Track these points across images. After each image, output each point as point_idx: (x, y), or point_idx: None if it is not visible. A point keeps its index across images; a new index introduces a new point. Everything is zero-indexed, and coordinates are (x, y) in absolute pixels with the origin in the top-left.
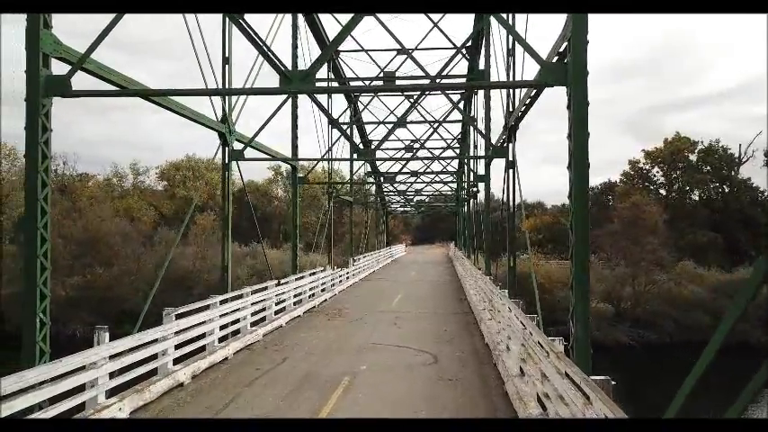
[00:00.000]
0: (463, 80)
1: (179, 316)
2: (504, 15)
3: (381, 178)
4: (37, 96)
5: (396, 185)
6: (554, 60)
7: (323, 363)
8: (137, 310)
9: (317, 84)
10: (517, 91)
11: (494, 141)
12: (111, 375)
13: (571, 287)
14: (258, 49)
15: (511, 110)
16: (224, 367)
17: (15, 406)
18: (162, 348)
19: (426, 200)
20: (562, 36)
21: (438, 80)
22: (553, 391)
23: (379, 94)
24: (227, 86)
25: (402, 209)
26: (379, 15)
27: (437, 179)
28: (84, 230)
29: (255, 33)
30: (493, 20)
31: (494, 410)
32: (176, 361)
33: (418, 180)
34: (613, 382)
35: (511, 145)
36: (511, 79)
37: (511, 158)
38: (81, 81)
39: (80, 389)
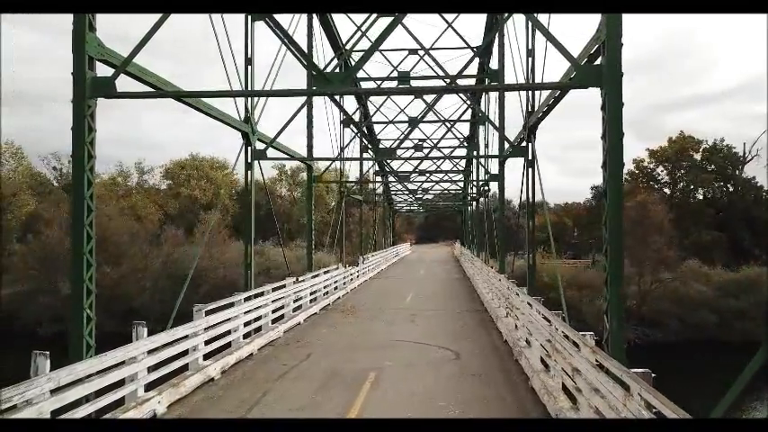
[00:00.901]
0: (474, 81)
1: (208, 312)
2: (528, 17)
3: (391, 177)
4: (83, 98)
5: (406, 184)
6: (582, 63)
7: (346, 359)
8: (144, 307)
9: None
10: (537, 91)
11: (504, 141)
12: (148, 370)
13: (606, 283)
14: (298, 51)
15: (530, 110)
16: (250, 363)
17: (68, 397)
18: (193, 344)
19: (431, 198)
20: (595, 38)
21: (455, 82)
22: (586, 385)
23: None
24: (249, 87)
25: (408, 207)
26: (393, 16)
27: (445, 178)
28: None
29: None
30: (509, 21)
31: (522, 405)
32: (205, 357)
33: (428, 179)
34: (654, 375)
35: (531, 144)
36: (530, 80)
37: (530, 157)
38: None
39: (115, 382)
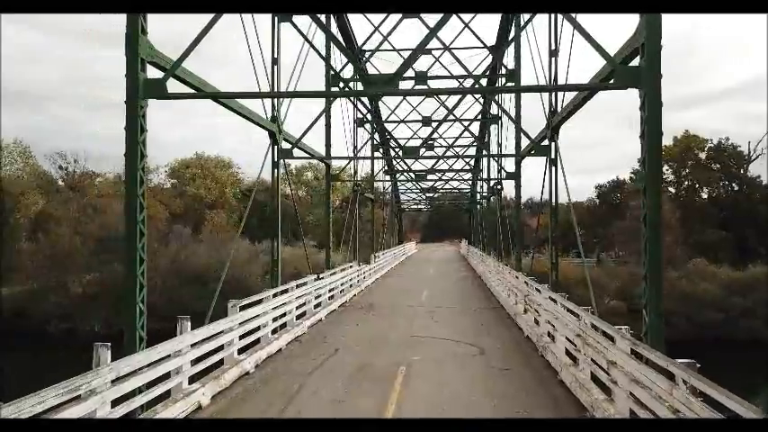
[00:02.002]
0: (485, 80)
1: (242, 308)
2: (565, 17)
3: (402, 176)
4: (136, 98)
5: (418, 183)
6: (618, 63)
7: (374, 354)
8: (153, 305)
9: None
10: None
11: (523, 140)
12: (191, 363)
13: (645, 278)
14: (344, 53)
15: (552, 109)
16: (280, 358)
17: (125, 388)
18: (229, 339)
19: (438, 196)
20: (633, 38)
21: (478, 82)
22: (623, 377)
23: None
24: (276, 88)
25: (416, 206)
26: (406, 16)
27: (456, 177)
28: (101, 227)
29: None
30: (525, 20)
31: (555, 398)
32: (238, 351)
33: (441, 177)
34: (698, 365)
35: (554, 143)
36: (552, 80)
37: (553, 156)
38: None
39: (162, 374)
